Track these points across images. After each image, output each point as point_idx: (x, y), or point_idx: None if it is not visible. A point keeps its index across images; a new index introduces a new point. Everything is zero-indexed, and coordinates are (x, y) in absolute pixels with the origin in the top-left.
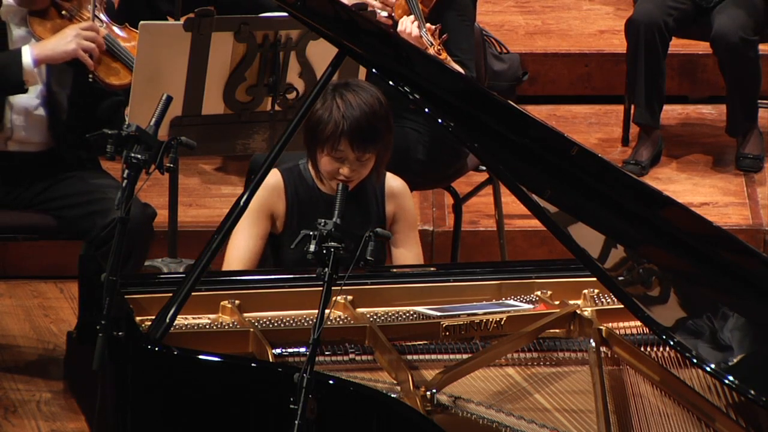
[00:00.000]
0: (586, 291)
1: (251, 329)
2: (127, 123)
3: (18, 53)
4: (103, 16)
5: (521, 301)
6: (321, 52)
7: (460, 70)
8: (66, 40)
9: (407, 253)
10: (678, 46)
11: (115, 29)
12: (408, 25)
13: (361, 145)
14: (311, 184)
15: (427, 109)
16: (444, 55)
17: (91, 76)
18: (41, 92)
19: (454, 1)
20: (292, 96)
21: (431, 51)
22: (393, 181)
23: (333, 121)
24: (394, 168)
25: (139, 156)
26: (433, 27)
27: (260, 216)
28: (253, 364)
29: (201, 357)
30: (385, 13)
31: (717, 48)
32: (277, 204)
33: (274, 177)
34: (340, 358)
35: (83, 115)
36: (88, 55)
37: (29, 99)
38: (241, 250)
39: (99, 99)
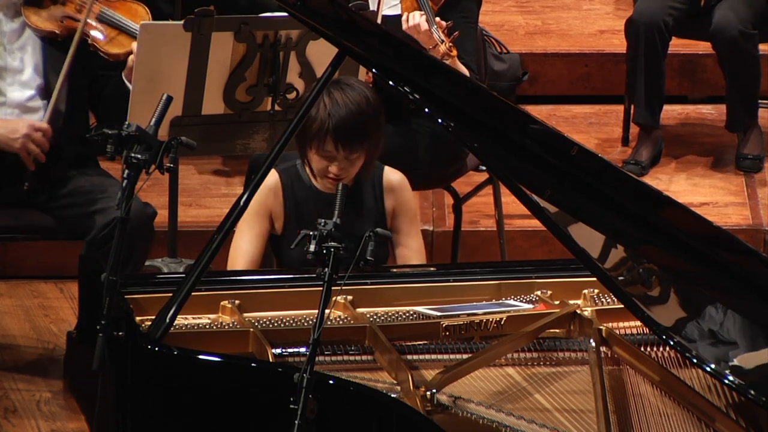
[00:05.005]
0: (586, 291)
1: (251, 329)
2: (127, 123)
3: None
4: None
5: (521, 301)
6: (321, 52)
7: (466, 71)
8: (14, 135)
9: (409, 245)
10: (678, 46)
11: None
12: (417, 18)
13: (346, 145)
14: (308, 183)
15: (427, 109)
16: (455, 53)
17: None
18: (39, 86)
19: (460, 2)
20: (292, 96)
21: (442, 48)
22: (392, 175)
23: (319, 119)
24: (394, 167)
25: (139, 156)
26: (444, 23)
27: (259, 216)
28: (253, 364)
29: (201, 357)
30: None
31: (716, 42)
32: (275, 204)
33: (271, 177)
34: (340, 358)
35: (83, 106)
36: (32, 158)
37: (24, 92)
38: (242, 251)
39: (100, 88)
